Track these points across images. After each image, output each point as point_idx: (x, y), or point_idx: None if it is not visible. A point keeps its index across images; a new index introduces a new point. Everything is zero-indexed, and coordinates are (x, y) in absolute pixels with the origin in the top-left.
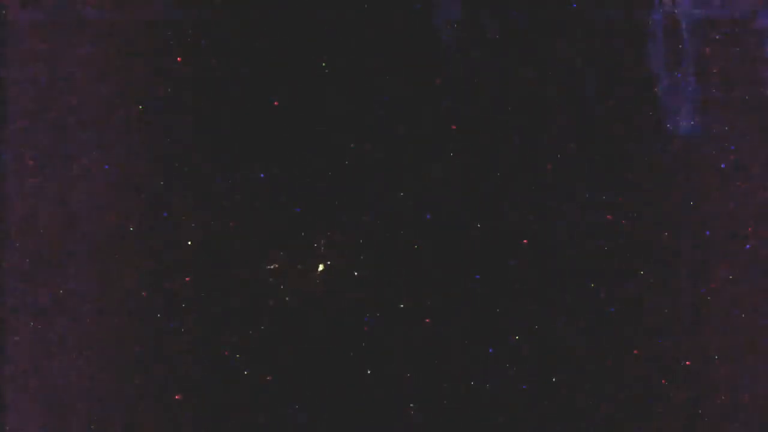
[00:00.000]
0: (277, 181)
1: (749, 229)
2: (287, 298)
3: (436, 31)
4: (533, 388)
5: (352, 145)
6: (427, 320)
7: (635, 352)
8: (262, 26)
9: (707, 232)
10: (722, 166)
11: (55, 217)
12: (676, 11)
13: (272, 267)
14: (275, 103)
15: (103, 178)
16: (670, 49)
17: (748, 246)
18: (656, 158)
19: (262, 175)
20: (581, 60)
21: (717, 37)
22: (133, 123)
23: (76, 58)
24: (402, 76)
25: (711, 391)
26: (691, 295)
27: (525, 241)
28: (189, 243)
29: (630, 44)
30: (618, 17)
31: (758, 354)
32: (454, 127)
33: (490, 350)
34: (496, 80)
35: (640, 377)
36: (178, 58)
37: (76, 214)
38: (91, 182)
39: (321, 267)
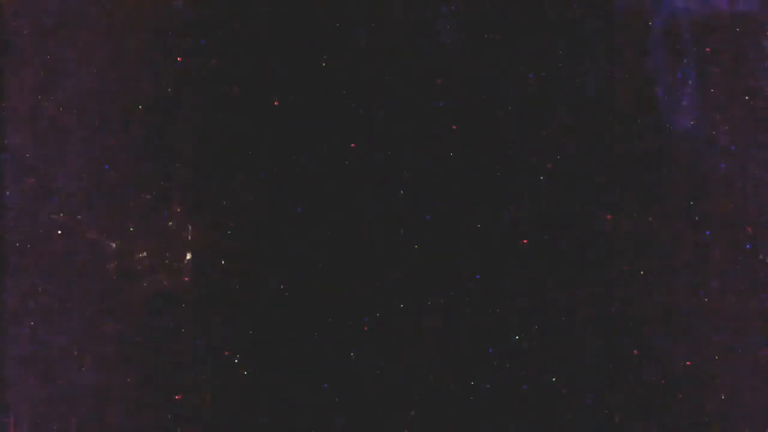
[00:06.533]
0: (277, 181)
1: (749, 229)
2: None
3: (436, 31)
4: (533, 388)
5: (352, 145)
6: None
7: (635, 352)
8: (262, 26)
9: (707, 232)
10: (722, 166)
11: (56, 217)
12: (676, 11)
13: (141, 255)
14: (275, 103)
15: (103, 178)
16: (670, 49)
17: (748, 246)
18: (656, 158)
19: (262, 175)
20: (581, 60)
21: (717, 37)
22: (133, 123)
23: (76, 58)
24: (402, 76)
25: (711, 391)
26: (691, 295)
27: (525, 241)
28: (189, 243)
29: (630, 44)
30: (618, 17)
31: (758, 354)
32: (454, 127)
33: (490, 350)
34: (496, 80)
35: (640, 377)
36: (178, 58)
37: (76, 214)
38: (91, 182)
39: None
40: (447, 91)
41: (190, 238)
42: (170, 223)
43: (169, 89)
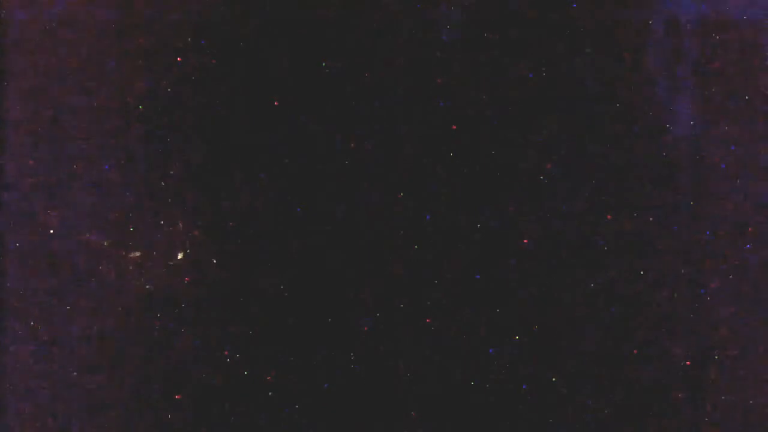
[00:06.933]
0: (277, 181)
1: (749, 229)
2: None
3: (436, 31)
4: (533, 388)
5: (352, 145)
6: (428, 320)
7: (635, 352)
8: (262, 26)
9: (707, 232)
10: (722, 166)
11: (55, 217)
12: (676, 11)
13: (134, 255)
14: (275, 103)
15: (103, 179)
16: (670, 49)
17: (748, 246)
18: (656, 158)
19: (262, 175)
20: (581, 60)
21: (717, 37)
22: (133, 123)
23: (76, 58)
24: (402, 76)
25: (711, 391)
26: (691, 295)
27: (525, 241)
28: (189, 243)
29: (630, 44)
30: (618, 17)
31: (758, 354)
32: (454, 127)
33: (491, 350)
34: (496, 80)
35: (640, 377)
36: (178, 58)
37: (76, 214)
38: (90, 182)
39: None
40: (447, 91)
41: (189, 238)
42: (170, 223)
43: (169, 89)
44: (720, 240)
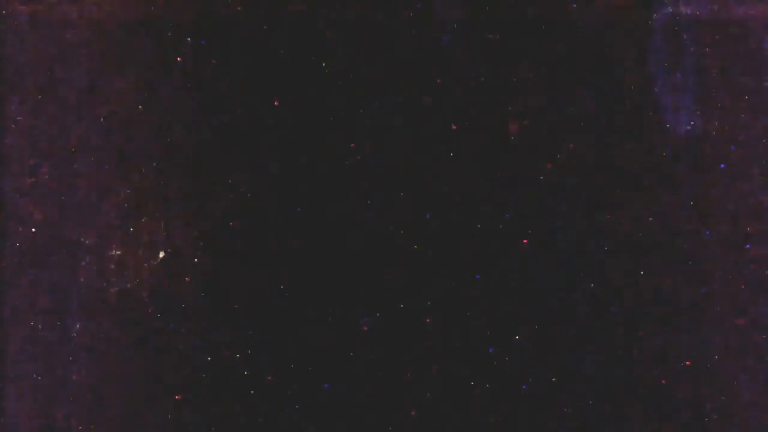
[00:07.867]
0: (277, 181)
1: (749, 229)
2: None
3: (436, 31)
4: (533, 388)
5: (352, 145)
6: (428, 320)
7: (635, 352)
8: (263, 26)
9: (707, 232)
10: (722, 166)
11: (55, 217)
12: (676, 11)
13: (115, 253)
14: (275, 103)
15: (103, 178)
16: (670, 49)
17: (748, 246)
18: (656, 158)
19: (262, 175)
20: (581, 60)
21: (717, 37)
22: (133, 123)
23: (76, 57)
24: (402, 76)
25: (711, 391)
26: (691, 295)
27: (525, 241)
28: (189, 243)
29: (630, 44)
30: (618, 17)
31: (758, 354)
32: (454, 127)
33: (490, 350)
34: (496, 80)
35: (640, 377)
36: (178, 58)
37: (75, 214)
38: (91, 182)
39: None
40: (447, 91)
41: (190, 238)
42: (170, 224)
43: (170, 89)
44: (720, 240)
